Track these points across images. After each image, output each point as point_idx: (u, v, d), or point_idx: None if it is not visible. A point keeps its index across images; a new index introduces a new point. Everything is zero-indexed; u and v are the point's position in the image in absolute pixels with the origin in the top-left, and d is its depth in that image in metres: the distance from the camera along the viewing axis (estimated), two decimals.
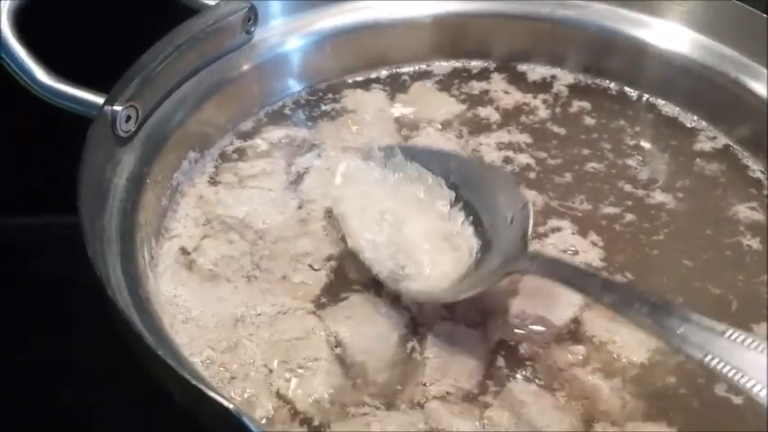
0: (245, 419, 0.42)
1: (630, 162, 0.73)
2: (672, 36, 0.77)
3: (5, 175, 0.81)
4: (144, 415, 0.65)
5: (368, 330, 0.58)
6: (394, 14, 0.81)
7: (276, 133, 0.75)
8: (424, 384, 0.55)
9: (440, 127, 0.76)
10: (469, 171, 0.64)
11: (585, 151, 0.74)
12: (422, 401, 0.54)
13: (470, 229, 0.61)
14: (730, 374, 0.39)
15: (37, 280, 0.75)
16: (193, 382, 0.43)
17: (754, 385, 0.39)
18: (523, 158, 0.73)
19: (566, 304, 0.59)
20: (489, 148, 0.74)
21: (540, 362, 0.57)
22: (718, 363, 0.40)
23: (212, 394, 0.43)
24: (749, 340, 0.39)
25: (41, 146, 0.81)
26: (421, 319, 0.59)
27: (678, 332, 0.43)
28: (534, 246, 0.64)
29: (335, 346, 0.57)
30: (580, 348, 0.57)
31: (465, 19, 0.82)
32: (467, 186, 0.63)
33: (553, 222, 0.67)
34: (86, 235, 0.52)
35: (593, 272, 0.52)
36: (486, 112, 0.78)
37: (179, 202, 0.68)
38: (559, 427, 0.52)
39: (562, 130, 0.76)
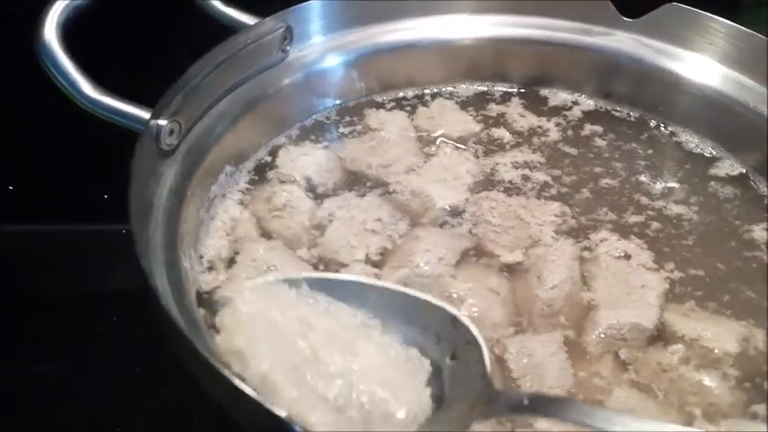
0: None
1: (643, 179, 0.76)
2: (693, 65, 0.80)
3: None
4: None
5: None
6: (423, 37, 0.84)
7: (303, 151, 0.77)
8: None
9: (456, 146, 0.79)
10: (387, 299, 0.56)
11: (598, 169, 0.77)
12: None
13: (413, 351, 0.54)
14: None
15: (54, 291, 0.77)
16: (260, 400, 0.45)
17: None
18: (540, 176, 0.76)
19: (646, 305, 0.63)
20: (506, 167, 0.77)
21: (640, 366, 0.60)
22: None
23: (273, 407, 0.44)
24: None
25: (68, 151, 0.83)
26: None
27: None
28: (586, 255, 0.67)
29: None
30: (679, 348, 0.60)
31: (493, 43, 0.84)
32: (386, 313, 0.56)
33: (592, 234, 0.70)
34: (139, 246, 0.53)
35: (563, 399, 0.53)
36: (498, 132, 0.81)
37: (215, 215, 0.69)
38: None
39: (573, 151, 0.79)
